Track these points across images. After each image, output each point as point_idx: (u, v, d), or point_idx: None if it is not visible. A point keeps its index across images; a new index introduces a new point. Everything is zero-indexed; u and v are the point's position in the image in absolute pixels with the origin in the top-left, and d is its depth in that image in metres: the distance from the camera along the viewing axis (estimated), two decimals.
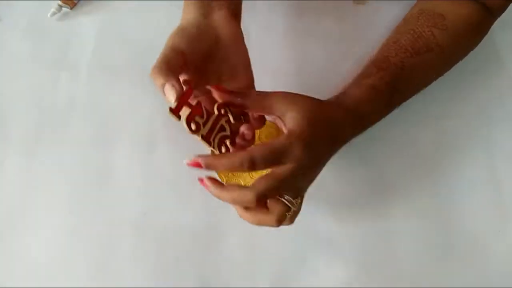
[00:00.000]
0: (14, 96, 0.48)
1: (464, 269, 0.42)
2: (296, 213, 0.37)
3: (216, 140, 0.36)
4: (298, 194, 0.36)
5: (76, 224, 0.43)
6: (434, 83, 0.48)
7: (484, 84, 0.49)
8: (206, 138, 0.35)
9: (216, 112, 0.36)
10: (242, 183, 0.42)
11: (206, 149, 0.37)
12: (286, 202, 0.35)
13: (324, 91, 0.48)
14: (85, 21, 0.52)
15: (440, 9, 0.44)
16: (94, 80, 0.49)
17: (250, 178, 0.43)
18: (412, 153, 0.45)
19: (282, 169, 0.34)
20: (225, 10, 0.39)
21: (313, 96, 0.47)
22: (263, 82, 0.48)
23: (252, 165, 0.33)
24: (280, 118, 0.36)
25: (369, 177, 0.45)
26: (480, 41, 0.46)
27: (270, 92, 0.37)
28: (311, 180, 0.37)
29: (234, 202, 0.35)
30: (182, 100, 0.34)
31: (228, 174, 0.43)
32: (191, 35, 0.36)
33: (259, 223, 0.36)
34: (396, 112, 0.47)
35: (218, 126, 0.36)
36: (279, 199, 0.35)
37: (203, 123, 0.35)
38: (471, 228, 0.43)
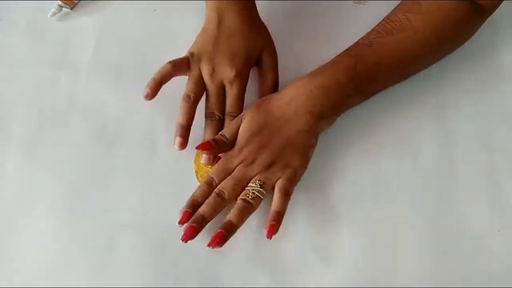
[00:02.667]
0: (14, 96, 0.48)
1: (464, 269, 0.42)
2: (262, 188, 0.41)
3: None
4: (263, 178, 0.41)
5: (76, 224, 0.43)
6: (434, 84, 0.48)
7: (484, 84, 0.49)
8: None
9: None
10: None
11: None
12: (249, 188, 0.40)
13: None
14: (85, 21, 0.52)
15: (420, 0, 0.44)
16: (94, 80, 0.49)
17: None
18: (412, 154, 0.45)
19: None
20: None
21: None
22: None
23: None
24: None
25: (370, 177, 0.45)
26: (468, 37, 0.46)
27: (235, 121, 0.43)
28: (285, 164, 0.41)
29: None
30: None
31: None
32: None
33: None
34: (395, 112, 0.47)
35: None
36: None
37: None
38: (471, 228, 0.43)
